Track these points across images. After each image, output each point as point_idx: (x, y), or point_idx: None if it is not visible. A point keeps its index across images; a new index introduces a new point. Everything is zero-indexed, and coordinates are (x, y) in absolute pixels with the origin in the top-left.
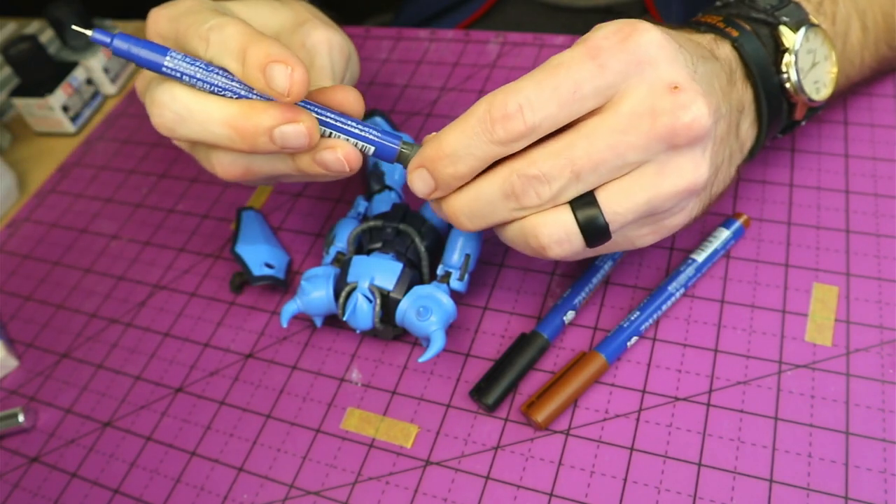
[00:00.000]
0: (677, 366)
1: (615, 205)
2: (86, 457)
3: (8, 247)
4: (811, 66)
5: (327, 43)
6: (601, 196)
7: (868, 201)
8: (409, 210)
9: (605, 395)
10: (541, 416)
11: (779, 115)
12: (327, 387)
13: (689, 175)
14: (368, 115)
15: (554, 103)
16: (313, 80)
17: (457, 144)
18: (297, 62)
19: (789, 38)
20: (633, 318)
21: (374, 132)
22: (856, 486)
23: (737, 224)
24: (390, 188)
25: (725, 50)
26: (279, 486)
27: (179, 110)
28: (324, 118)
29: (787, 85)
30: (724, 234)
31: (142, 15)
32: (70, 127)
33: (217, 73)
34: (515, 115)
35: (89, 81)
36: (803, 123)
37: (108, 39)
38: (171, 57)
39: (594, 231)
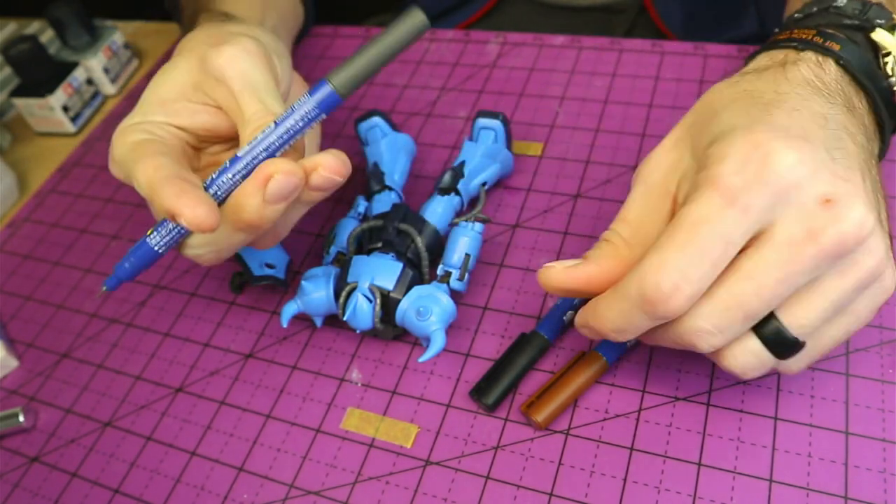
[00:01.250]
0: (677, 366)
1: (799, 318)
2: (86, 457)
3: (8, 247)
4: None
5: (229, 61)
6: (782, 314)
7: None
8: (409, 210)
9: (605, 395)
10: (540, 416)
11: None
12: (327, 387)
13: (868, 263)
14: (368, 115)
15: (707, 265)
16: (243, 108)
17: (619, 323)
18: (191, 204)
19: (888, 40)
20: None
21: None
22: (855, 486)
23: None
24: (390, 188)
25: (832, 71)
26: (279, 485)
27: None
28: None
29: None
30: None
31: (141, 15)
32: (70, 127)
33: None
34: (674, 294)
35: (89, 81)
36: None
37: (114, 281)
38: (152, 239)
39: (785, 348)
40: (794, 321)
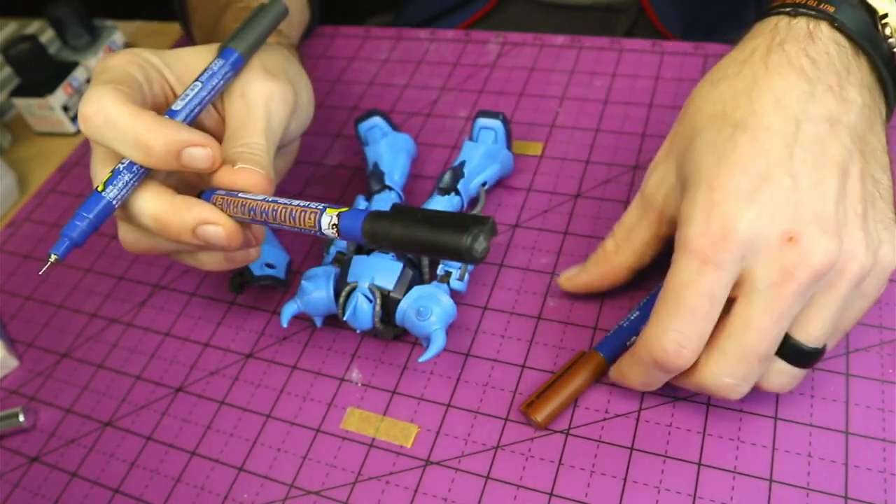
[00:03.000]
0: None
1: (811, 332)
2: (86, 457)
3: (8, 247)
4: None
5: (266, 95)
6: (795, 333)
7: None
8: None
9: (605, 395)
10: (540, 415)
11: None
12: (327, 387)
13: (853, 269)
14: (368, 115)
15: (700, 322)
16: (246, 134)
17: (644, 380)
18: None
19: (883, 2)
20: (632, 318)
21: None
22: (855, 486)
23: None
24: (390, 188)
25: (822, 39)
26: (279, 485)
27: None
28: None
29: None
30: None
31: (141, 15)
32: (70, 127)
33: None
34: (679, 353)
35: (89, 81)
36: None
37: (67, 245)
38: (105, 193)
39: (809, 359)
40: (807, 336)
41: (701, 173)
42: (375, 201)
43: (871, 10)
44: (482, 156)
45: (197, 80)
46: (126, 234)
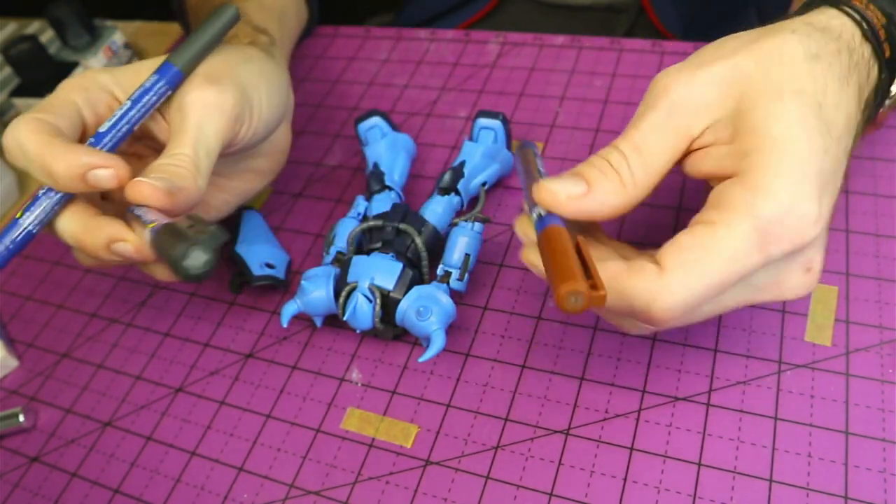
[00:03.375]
0: (677, 365)
1: None
2: (86, 457)
3: None
4: None
5: (200, 103)
6: None
7: (868, 201)
8: (409, 210)
9: (605, 394)
10: (600, 289)
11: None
12: (327, 387)
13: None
14: (368, 115)
15: (715, 294)
16: (175, 144)
17: (606, 314)
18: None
19: None
20: None
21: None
22: (855, 486)
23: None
24: (390, 188)
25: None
26: (279, 485)
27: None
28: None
29: None
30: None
31: (141, 15)
32: None
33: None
34: (672, 321)
35: None
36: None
37: None
38: (23, 220)
39: None
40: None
41: (787, 147)
42: (375, 201)
43: None
44: (482, 156)
45: (128, 98)
46: (74, 252)
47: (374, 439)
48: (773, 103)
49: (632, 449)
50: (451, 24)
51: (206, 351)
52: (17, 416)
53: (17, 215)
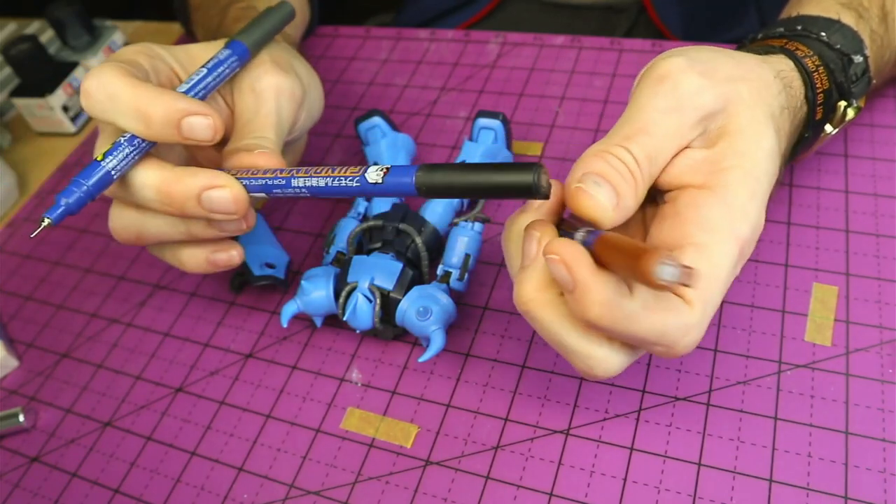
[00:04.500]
0: (677, 365)
1: None
2: (86, 457)
3: (8, 247)
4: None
5: (275, 89)
6: None
7: (868, 201)
8: (409, 210)
9: (605, 394)
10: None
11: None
12: (327, 387)
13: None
14: (368, 115)
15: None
16: (257, 127)
17: (624, 331)
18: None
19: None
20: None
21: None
22: (855, 486)
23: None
24: None
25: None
26: (279, 485)
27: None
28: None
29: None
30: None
31: (142, 15)
32: (70, 127)
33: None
34: (684, 348)
35: None
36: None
37: (62, 212)
38: (105, 164)
39: None
40: None
41: (757, 173)
42: (375, 201)
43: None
44: (482, 156)
45: (202, 67)
46: (117, 217)
47: (374, 439)
48: (759, 134)
49: (632, 449)
50: (451, 25)
51: (206, 351)
52: (17, 416)
53: (98, 157)
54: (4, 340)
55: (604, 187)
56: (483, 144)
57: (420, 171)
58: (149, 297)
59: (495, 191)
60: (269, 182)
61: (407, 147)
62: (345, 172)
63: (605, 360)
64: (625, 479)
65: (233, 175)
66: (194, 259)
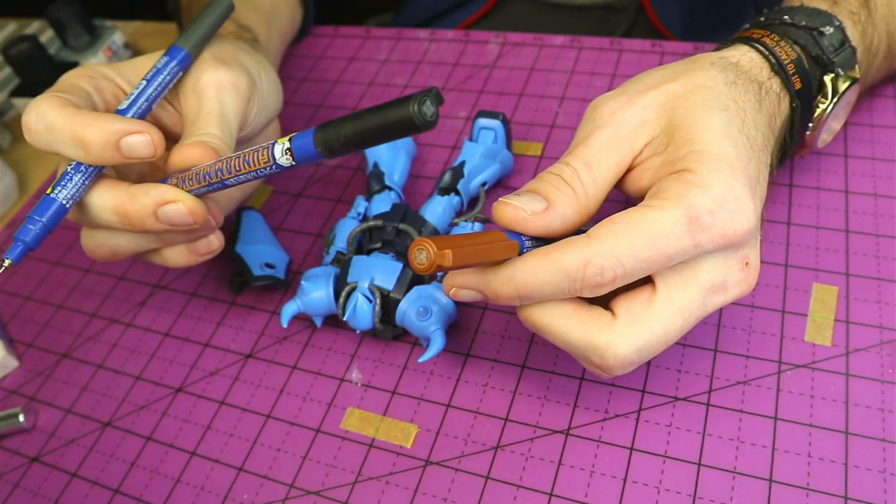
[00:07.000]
0: (677, 366)
1: None
2: (86, 457)
3: (8, 247)
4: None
5: (216, 85)
6: None
7: (868, 201)
8: (409, 210)
9: (605, 395)
10: (445, 252)
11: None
12: (327, 387)
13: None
14: None
15: (644, 269)
16: (200, 125)
17: (534, 289)
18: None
19: (831, 92)
20: None
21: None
22: (855, 486)
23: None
24: (390, 188)
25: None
26: (279, 485)
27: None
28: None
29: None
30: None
31: (141, 15)
32: None
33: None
34: (610, 283)
35: None
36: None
37: (21, 250)
38: (55, 195)
39: None
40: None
41: (717, 153)
42: (375, 201)
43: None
44: (482, 156)
45: (143, 79)
46: (89, 238)
47: (373, 439)
48: (702, 117)
49: (632, 449)
50: (451, 24)
51: (206, 351)
52: (17, 416)
53: (48, 191)
54: (4, 340)
55: (523, 196)
56: (483, 144)
57: (315, 131)
58: (149, 297)
59: (386, 131)
60: (209, 187)
61: (407, 147)
62: (262, 162)
63: (612, 344)
64: (625, 479)
65: (174, 183)
66: (177, 256)
